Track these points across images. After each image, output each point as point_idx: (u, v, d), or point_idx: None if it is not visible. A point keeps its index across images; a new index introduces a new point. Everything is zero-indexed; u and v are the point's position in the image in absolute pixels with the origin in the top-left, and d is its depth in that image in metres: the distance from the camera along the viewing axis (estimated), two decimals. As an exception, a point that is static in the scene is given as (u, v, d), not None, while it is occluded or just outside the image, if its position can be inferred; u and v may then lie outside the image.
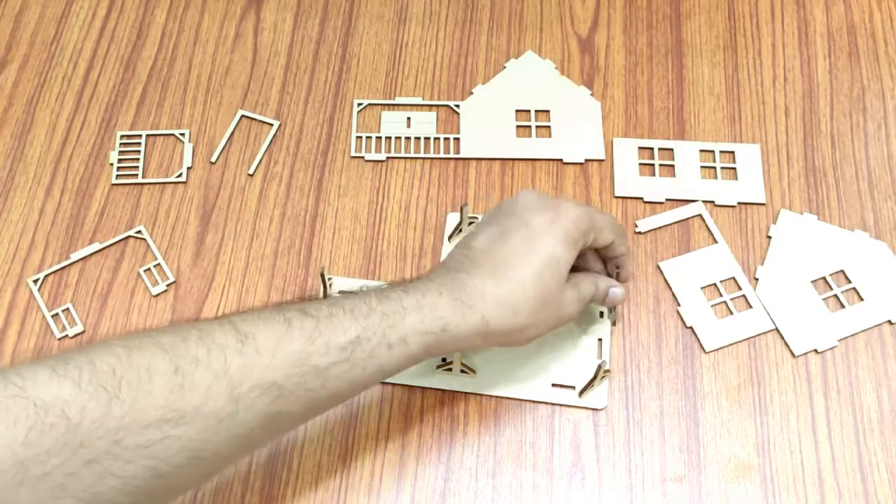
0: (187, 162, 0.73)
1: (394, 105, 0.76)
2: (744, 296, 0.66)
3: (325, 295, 0.65)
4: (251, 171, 0.72)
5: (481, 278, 0.54)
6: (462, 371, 0.62)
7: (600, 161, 0.72)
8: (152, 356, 0.44)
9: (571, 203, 0.58)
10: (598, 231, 0.58)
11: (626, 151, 0.73)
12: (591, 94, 0.76)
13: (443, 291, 0.53)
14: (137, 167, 0.73)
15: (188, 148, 0.73)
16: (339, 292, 0.64)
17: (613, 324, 0.65)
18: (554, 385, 0.62)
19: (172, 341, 0.45)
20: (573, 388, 0.62)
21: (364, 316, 0.50)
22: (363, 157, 0.73)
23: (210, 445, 0.45)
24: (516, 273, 0.54)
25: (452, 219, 0.69)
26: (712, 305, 0.66)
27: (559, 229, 0.56)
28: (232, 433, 0.46)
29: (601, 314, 0.65)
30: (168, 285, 0.67)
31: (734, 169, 0.72)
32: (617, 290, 0.62)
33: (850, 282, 0.67)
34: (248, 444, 0.48)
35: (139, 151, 0.73)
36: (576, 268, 0.59)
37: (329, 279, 0.66)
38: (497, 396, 0.62)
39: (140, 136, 0.74)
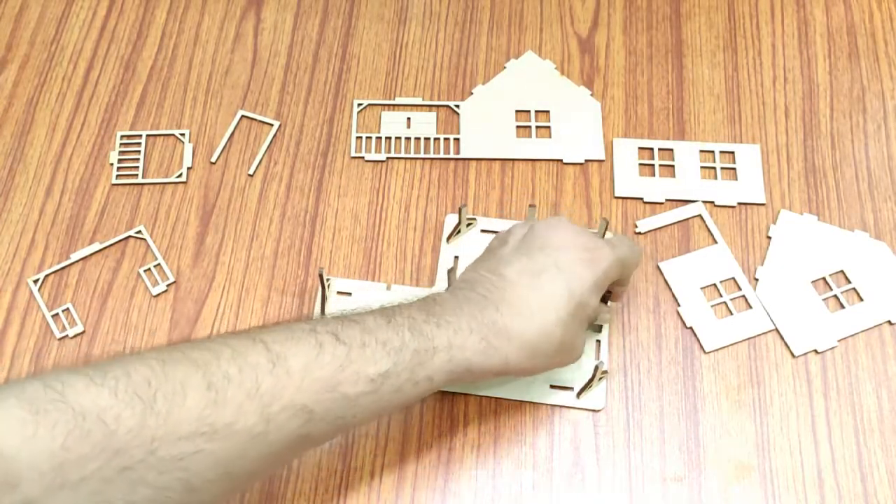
0: (187, 162, 0.73)
1: (394, 105, 0.76)
2: (744, 296, 0.66)
3: (324, 297, 0.65)
4: (251, 172, 0.72)
5: (510, 317, 0.53)
6: None
7: (600, 161, 0.72)
8: (185, 371, 0.45)
9: (607, 249, 0.57)
10: (625, 275, 0.59)
11: (626, 151, 0.73)
12: (591, 95, 0.76)
13: (473, 328, 0.52)
14: (137, 167, 0.73)
15: (188, 148, 0.73)
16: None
17: (598, 329, 0.65)
18: (552, 386, 0.62)
19: (204, 358, 0.46)
20: (571, 389, 0.62)
21: (396, 351, 0.50)
22: (363, 158, 0.73)
23: (242, 462, 0.45)
24: (545, 317, 0.53)
25: (451, 220, 0.69)
26: (712, 306, 0.66)
27: (591, 277, 0.55)
28: (263, 452, 0.46)
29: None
30: (168, 285, 0.67)
31: (734, 169, 0.72)
32: (604, 315, 0.62)
33: (849, 282, 0.67)
34: (277, 462, 0.49)
35: (139, 151, 0.73)
36: None
37: (328, 280, 0.66)
38: (496, 398, 0.62)
39: (140, 136, 0.74)
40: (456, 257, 0.67)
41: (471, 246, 0.68)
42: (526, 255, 0.56)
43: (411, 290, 0.67)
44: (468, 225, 0.69)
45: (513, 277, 0.55)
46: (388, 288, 0.67)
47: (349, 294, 0.66)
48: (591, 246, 0.56)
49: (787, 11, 0.80)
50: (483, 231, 0.69)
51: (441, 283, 0.66)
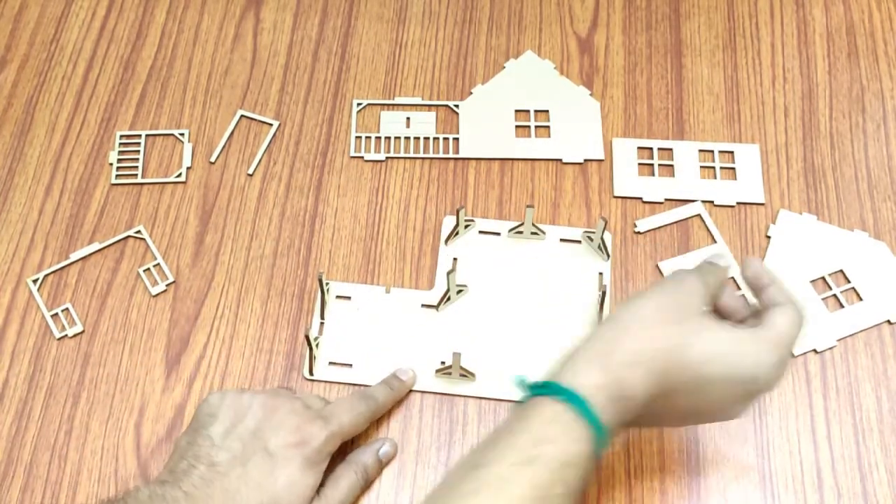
0: (187, 162, 0.73)
1: (393, 105, 0.76)
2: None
3: (323, 301, 0.65)
4: (251, 171, 0.72)
5: None
6: (461, 375, 0.62)
7: (599, 161, 0.72)
8: None
9: (317, 426, 0.55)
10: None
11: (626, 151, 0.73)
12: (591, 94, 0.76)
13: None
14: (137, 167, 0.73)
15: (188, 148, 0.73)
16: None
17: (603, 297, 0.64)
18: None
19: None
20: None
21: None
22: (362, 157, 0.73)
23: None
24: None
25: (449, 222, 0.69)
26: (711, 305, 0.66)
27: (299, 458, 0.54)
28: None
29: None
30: (167, 285, 0.67)
31: (733, 169, 0.72)
32: (388, 449, 0.60)
33: (849, 282, 0.67)
34: None
35: (139, 151, 0.73)
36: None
37: (327, 284, 0.66)
38: (496, 399, 0.62)
39: (139, 136, 0.74)
40: (454, 259, 0.67)
41: (469, 248, 0.68)
42: (238, 441, 0.54)
43: (410, 293, 0.67)
44: (466, 226, 0.69)
45: (224, 468, 0.53)
46: (388, 291, 0.67)
47: (348, 298, 0.66)
48: (302, 425, 0.55)
49: (787, 11, 0.80)
50: (481, 232, 0.69)
51: (440, 286, 0.66)
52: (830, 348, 0.64)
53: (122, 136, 0.74)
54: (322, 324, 0.66)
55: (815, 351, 0.64)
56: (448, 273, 0.64)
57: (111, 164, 0.73)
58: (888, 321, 0.65)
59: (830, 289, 0.66)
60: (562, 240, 0.68)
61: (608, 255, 0.67)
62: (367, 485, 0.59)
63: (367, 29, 0.80)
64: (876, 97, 0.75)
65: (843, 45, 0.78)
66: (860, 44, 0.78)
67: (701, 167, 0.72)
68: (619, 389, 0.48)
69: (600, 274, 0.67)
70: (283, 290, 0.67)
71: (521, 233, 0.68)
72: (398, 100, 0.76)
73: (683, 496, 0.59)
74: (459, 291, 0.66)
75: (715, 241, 0.69)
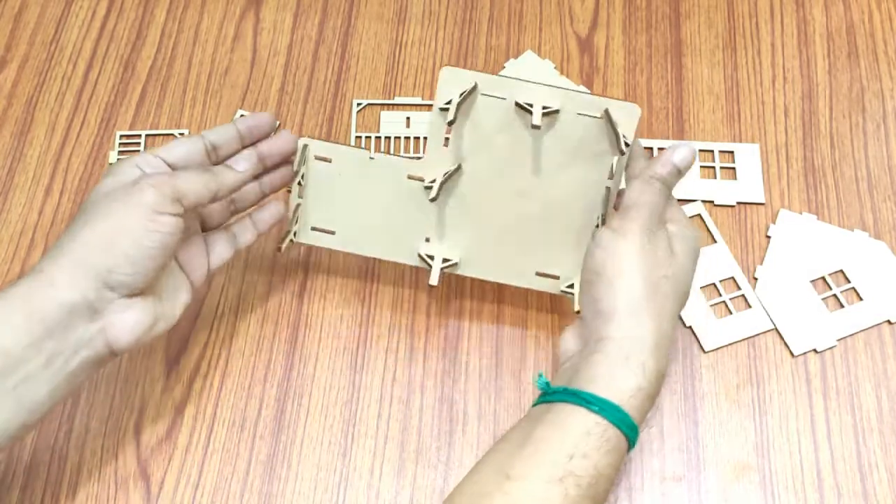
0: (187, 162, 0.73)
1: (393, 105, 0.76)
2: (743, 296, 0.66)
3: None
4: (250, 171, 0.72)
5: None
6: (443, 265, 0.61)
7: (600, 161, 0.72)
8: None
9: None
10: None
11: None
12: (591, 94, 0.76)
13: None
14: (137, 167, 0.73)
15: (187, 148, 0.73)
16: None
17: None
18: (538, 273, 0.62)
19: None
20: (557, 277, 0.61)
21: None
22: (362, 157, 0.73)
23: None
24: None
25: (447, 77, 0.58)
26: (711, 305, 0.66)
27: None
28: None
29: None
30: (167, 285, 0.67)
31: (733, 169, 0.72)
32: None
33: (849, 281, 0.67)
34: None
35: (139, 151, 0.73)
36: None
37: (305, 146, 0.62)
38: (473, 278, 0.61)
39: (139, 136, 0.74)
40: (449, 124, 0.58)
41: (469, 118, 0.59)
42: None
43: (396, 160, 0.61)
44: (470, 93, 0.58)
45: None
46: (371, 157, 0.61)
47: (328, 160, 0.61)
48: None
49: (787, 11, 0.80)
50: (484, 95, 0.58)
51: (431, 160, 0.60)
52: (830, 348, 0.64)
53: (122, 136, 0.74)
54: (300, 185, 0.62)
55: (815, 351, 0.64)
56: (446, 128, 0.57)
57: (111, 164, 0.73)
58: (888, 321, 0.65)
59: (830, 289, 0.66)
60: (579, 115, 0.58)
61: (622, 151, 0.58)
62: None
63: (367, 29, 0.80)
64: (876, 97, 0.75)
65: (843, 45, 0.78)
66: (860, 44, 0.78)
67: (701, 167, 0.72)
68: (648, 377, 0.50)
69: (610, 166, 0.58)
70: (284, 289, 0.67)
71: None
72: (398, 100, 0.76)
73: (683, 496, 0.59)
74: (455, 170, 0.60)
75: (715, 241, 0.69)
